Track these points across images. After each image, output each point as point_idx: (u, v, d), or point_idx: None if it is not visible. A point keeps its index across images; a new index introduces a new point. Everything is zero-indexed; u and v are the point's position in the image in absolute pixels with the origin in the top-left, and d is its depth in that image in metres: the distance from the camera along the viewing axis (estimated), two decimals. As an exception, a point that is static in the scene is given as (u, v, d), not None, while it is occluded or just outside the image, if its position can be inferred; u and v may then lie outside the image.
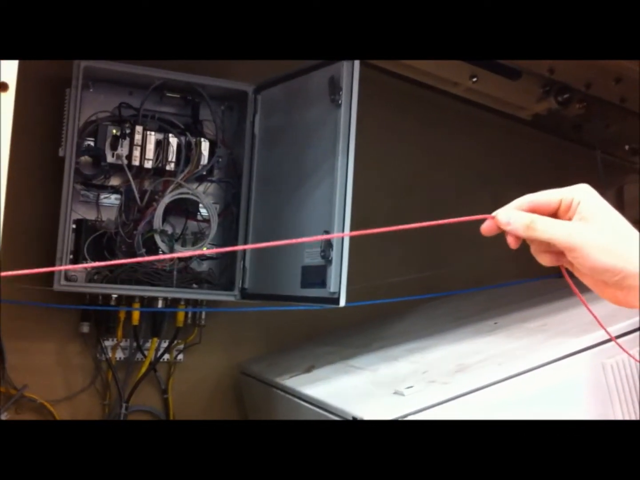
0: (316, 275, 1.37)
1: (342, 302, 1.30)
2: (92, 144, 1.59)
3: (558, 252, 0.63)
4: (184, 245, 1.65)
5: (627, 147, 2.12)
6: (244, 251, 1.63)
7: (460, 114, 2.07)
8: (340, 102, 1.34)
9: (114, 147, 1.59)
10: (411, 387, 1.14)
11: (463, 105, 2.00)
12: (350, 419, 1.10)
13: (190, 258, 1.65)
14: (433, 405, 1.07)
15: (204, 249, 1.66)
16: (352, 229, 1.31)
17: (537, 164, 2.20)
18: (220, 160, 1.72)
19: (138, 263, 1.58)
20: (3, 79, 0.59)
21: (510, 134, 2.15)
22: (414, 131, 2.08)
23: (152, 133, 1.60)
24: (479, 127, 2.12)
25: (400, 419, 1.05)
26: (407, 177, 2.08)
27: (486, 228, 0.65)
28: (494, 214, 0.65)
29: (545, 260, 0.65)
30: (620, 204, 2.18)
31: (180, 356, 1.81)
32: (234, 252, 1.66)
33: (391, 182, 2.05)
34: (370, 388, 1.24)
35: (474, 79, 1.85)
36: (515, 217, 0.63)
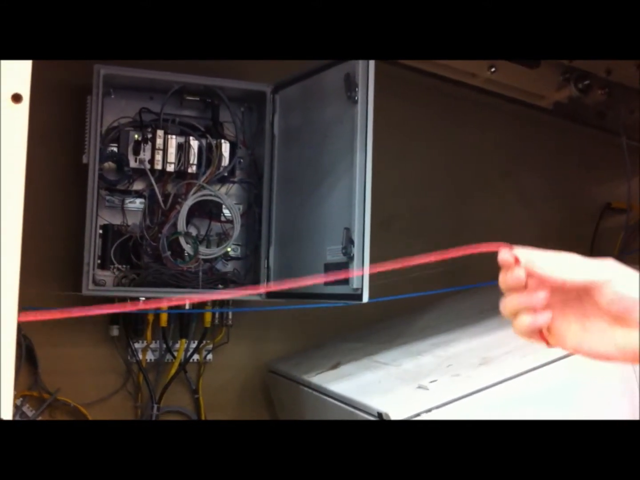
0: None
1: (365, 298, 1.31)
2: (114, 149, 1.62)
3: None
4: (208, 246, 1.67)
5: (653, 132, 2.09)
6: (268, 250, 1.65)
7: (479, 106, 2.05)
8: (356, 98, 1.34)
9: (136, 152, 1.61)
10: (435, 381, 1.14)
11: (482, 96, 1.99)
12: (375, 414, 1.11)
13: (215, 259, 1.67)
14: (457, 398, 1.08)
15: (229, 249, 1.68)
16: (372, 225, 1.31)
17: (560, 154, 2.18)
18: (241, 161, 1.73)
19: (163, 264, 1.60)
20: (16, 90, 0.59)
21: (531, 124, 2.13)
22: (432, 125, 2.07)
23: (173, 137, 1.62)
24: (499, 118, 2.10)
25: (424, 413, 1.05)
26: (428, 172, 2.07)
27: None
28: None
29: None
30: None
31: (210, 356, 1.83)
32: (258, 252, 1.67)
33: (411, 177, 2.04)
34: (395, 383, 1.25)
35: (492, 69, 1.84)
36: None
